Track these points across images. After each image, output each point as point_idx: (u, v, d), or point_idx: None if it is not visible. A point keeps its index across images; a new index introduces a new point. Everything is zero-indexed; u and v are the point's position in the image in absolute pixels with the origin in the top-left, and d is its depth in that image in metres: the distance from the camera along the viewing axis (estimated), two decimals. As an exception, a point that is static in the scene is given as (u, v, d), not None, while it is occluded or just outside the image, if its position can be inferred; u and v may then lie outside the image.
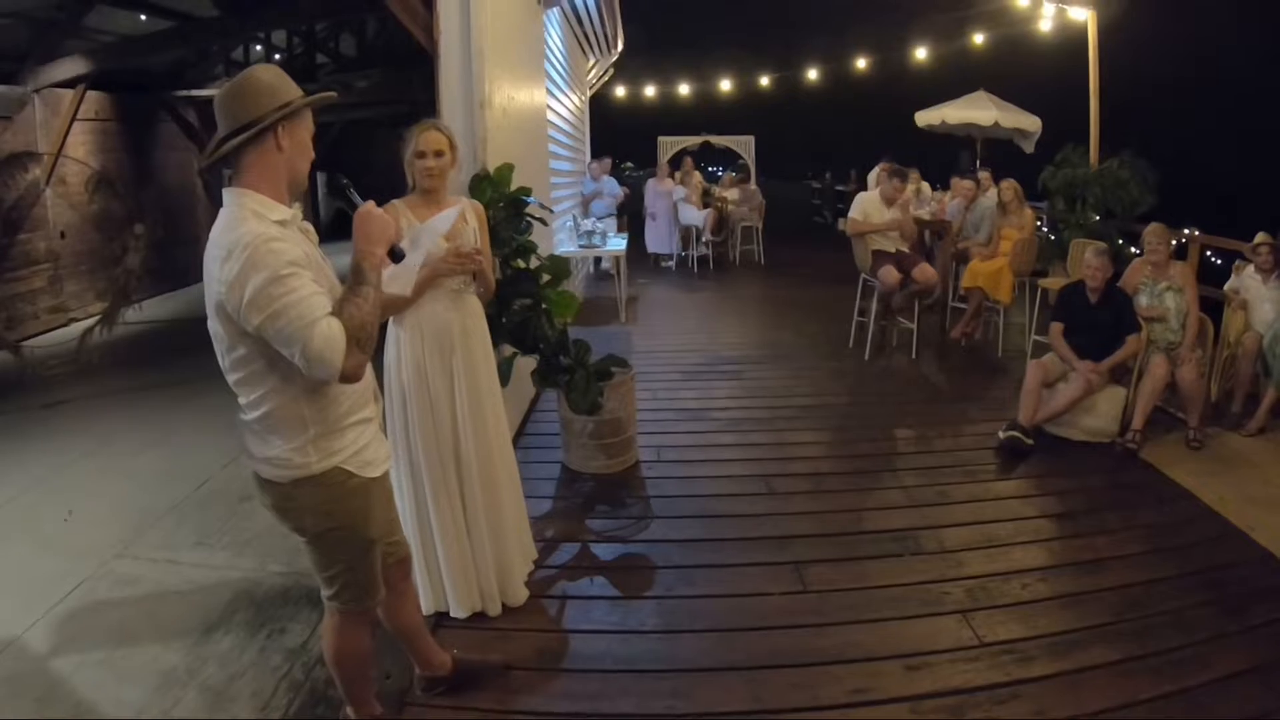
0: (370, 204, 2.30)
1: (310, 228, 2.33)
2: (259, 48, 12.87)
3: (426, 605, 3.45)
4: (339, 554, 2.40)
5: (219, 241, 2.09)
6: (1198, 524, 4.40)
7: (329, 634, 2.58)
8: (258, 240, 2.04)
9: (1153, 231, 5.99)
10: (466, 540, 3.43)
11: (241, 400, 2.23)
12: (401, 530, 2.78)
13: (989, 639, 3.34)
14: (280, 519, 2.35)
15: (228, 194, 2.16)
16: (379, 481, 2.43)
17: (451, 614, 3.46)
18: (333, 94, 2.39)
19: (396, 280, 2.90)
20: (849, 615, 3.53)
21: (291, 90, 2.22)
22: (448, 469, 3.37)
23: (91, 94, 9.97)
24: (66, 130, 9.48)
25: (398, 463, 3.37)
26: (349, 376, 2.10)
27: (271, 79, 2.20)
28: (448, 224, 3.21)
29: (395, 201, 3.29)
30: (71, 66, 9.16)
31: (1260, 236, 6.15)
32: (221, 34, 9.98)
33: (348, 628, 2.55)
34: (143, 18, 9.34)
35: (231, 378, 2.21)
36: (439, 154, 3.25)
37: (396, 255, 2.32)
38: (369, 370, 2.37)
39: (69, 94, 9.47)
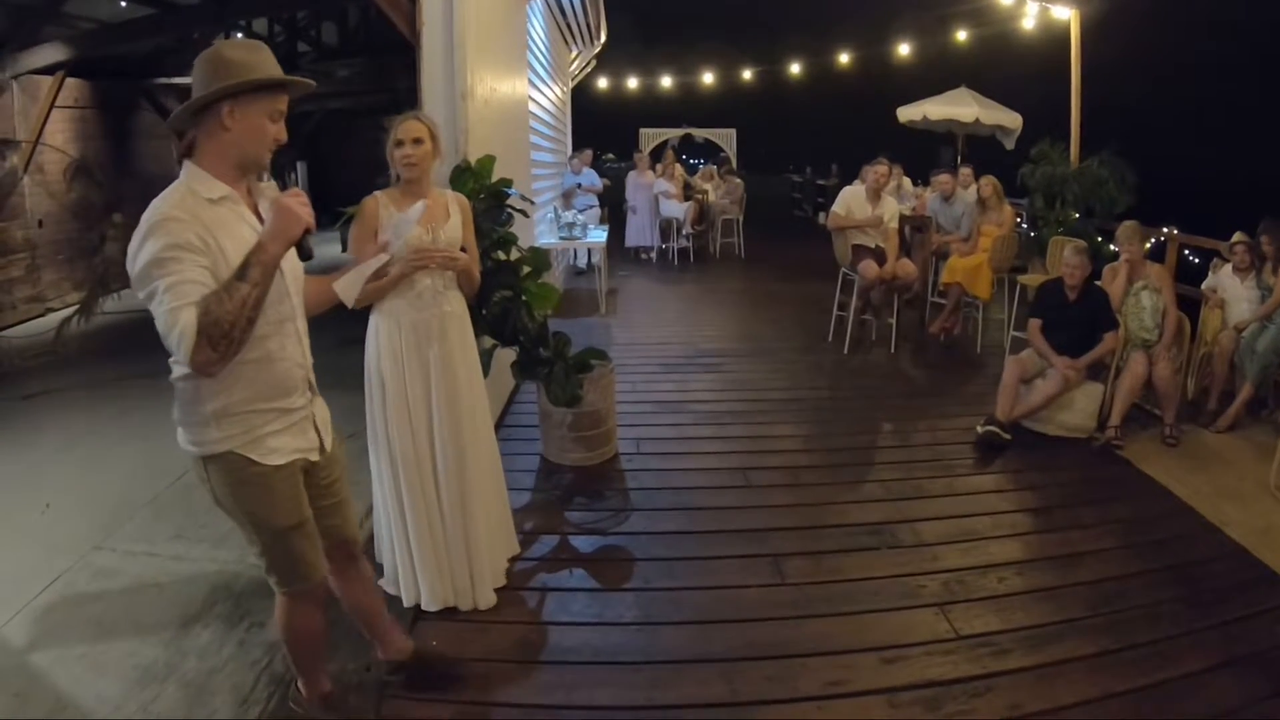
0: (285, 194, 2.22)
1: None
2: (240, 35, 12.76)
3: (408, 598, 3.46)
4: (255, 536, 2.39)
5: None
6: (1172, 519, 4.45)
7: (277, 612, 2.60)
8: (157, 217, 2.05)
9: (1123, 232, 6.05)
10: (441, 534, 3.41)
11: (171, 361, 2.20)
12: (344, 514, 2.71)
13: (965, 632, 3.37)
14: (204, 491, 2.36)
15: (183, 166, 2.19)
16: (283, 470, 2.36)
17: (423, 606, 3.45)
18: (305, 81, 2.31)
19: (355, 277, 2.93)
20: (826, 608, 3.56)
21: (260, 69, 2.18)
22: (423, 463, 3.35)
23: (71, 81, 9.87)
24: (45, 117, 9.38)
25: (378, 454, 3.38)
26: (199, 370, 2.06)
27: (238, 55, 2.17)
28: (418, 213, 3.16)
29: (378, 193, 3.27)
30: (50, 53, 9.05)
31: (1237, 236, 6.22)
32: (202, 21, 9.89)
33: (289, 607, 2.56)
34: (123, 4, 9.22)
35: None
36: (417, 141, 3.19)
37: (304, 252, 2.25)
38: (301, 360, 2.38)
39: (48, 81, 9.37)
